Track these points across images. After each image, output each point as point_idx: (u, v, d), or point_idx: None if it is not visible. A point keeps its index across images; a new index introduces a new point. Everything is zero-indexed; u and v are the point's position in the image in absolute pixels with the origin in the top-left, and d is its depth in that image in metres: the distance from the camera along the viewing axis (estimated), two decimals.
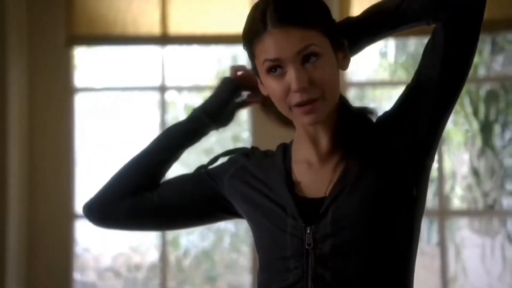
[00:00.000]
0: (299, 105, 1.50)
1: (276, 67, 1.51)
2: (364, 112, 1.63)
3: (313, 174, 1.59)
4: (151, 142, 1.78)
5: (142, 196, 1.71)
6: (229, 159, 1.71)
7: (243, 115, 4.06)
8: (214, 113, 1.76)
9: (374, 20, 1.61)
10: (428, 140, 1.56)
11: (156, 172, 1.75)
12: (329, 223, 1.51)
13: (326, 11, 1.56)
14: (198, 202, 1.70)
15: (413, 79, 1.58)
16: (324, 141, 1.59)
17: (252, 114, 3.93)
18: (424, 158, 1.56)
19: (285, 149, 1.66)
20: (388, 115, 1.59)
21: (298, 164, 1.62)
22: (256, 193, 1.62)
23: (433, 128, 1.56)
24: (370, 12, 1.63)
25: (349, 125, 1.60)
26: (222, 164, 1.72)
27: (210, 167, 1.74)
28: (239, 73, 1.78)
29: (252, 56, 1.57)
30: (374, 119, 1.62)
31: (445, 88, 1.54)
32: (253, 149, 1.71)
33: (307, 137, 1.60)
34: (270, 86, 1.53)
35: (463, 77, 1.56)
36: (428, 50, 1.56)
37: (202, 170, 1.73)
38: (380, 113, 1.62)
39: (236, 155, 1.71)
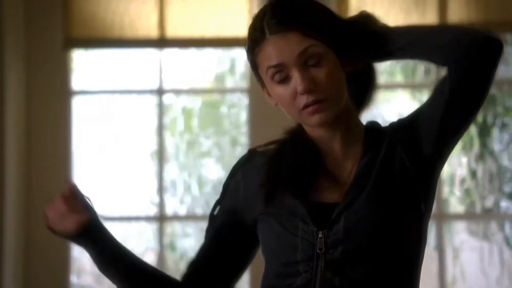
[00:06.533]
0: (307, 106, 1.50)
1: (280, 73, 1.51)
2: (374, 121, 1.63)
3: (326, 179, 1.58)
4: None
5: None
6: (233, 185, 1.65)
7: (242, 118, 4.05)
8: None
9: (378, 44, 1.56)
10: (434, 158, 1.55)
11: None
12: (341, 229, 1.50)
13: (325, 11, 1.55)
14: (236, 245, 1.65)
15: (423, 104, 1.57)
16: (337, 147, 1.58)
17: (250, 117, 3.92)
18: (431, 174, 1.56)
19: None
20: (399, 128, 1.58)
21: None
22: (266, 205, 1.59)
23: (439, 150, 1.55)
24: (378, 34, 1.56)
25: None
26: (229, 193, 1.66)
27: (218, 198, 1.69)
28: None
29: (255, 66, 1.56)
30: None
31: (449, 124, 1.53)
32: (251, 153, 1.66)
33: (320, 144, 1.59)
34: (277, 92, 1.53)
35: (468, 120, 1.53)
36: (438, 86, 1.54)
37: (217, 207, 1.67)
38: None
39: (238, 170, 1.65)
